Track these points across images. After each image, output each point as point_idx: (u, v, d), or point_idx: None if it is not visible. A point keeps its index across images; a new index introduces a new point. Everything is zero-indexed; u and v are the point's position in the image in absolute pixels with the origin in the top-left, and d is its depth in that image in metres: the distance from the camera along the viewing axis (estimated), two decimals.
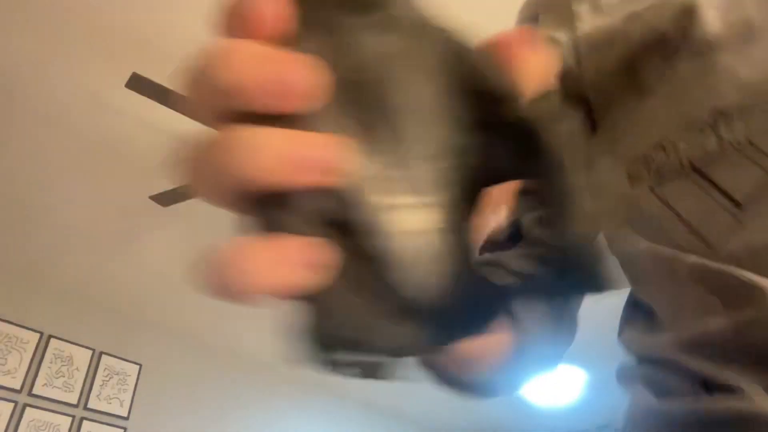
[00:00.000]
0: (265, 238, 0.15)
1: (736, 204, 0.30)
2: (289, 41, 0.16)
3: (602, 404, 4.41)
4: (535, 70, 0.18)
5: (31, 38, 1.89)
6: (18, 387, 2.70)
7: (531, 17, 0.44)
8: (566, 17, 0.40)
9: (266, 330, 3.53)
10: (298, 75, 0.15)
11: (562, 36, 0.39)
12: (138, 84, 1.80)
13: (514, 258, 0.36)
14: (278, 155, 0.15)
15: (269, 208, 0.15)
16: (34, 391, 2.74)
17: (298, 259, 0.15)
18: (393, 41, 0.17)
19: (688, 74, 0.33)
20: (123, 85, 2.01)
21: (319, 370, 0.17)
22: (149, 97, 1.82)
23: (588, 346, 3.74)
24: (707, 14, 0.33)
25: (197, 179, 0.16)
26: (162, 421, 3.15)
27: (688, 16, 0.34)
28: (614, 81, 0.37)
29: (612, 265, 0.17)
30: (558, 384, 4.00)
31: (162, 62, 1.97)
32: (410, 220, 0.16)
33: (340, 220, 0.16)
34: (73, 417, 2.81)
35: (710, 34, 0.32)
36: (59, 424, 2.75)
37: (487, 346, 0.31)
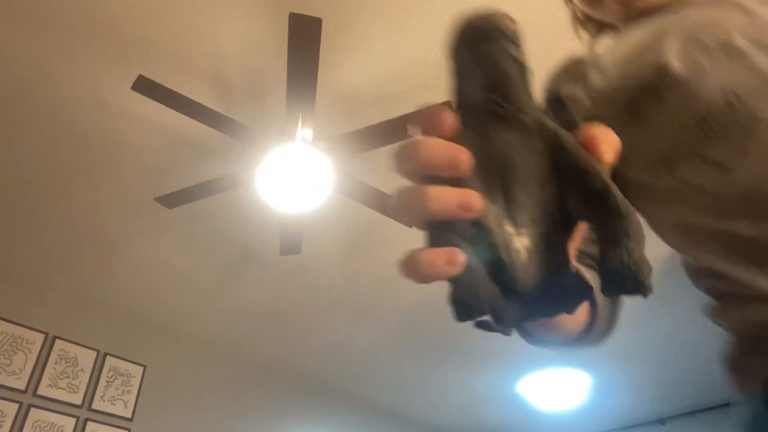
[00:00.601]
0: (433, 247, 0.28)
1: (724, 167, 0.50)
2: (453, 137, 0.29)
3: (606, 408, 4.39)
4: (609, 155, 0.30)
5: (38, 40, 1.90)
6: (23, 387, 2.71)
7: (553, 87, 0.65)
8: (580, 79, 0.62)
9: (270, 332, 3.54)
10: (462, 158, 0.29)
11: (580, 92, 0.61)
12: (144, 86, 1.81)
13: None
14: (449, 200, 0.28)
15: (438, 228, 0.28)
16: (39, 392, 2.75)
17: (447, 259, 0.27)
18: (515, 137, 0.29)
19: (672, 101, 0.53)
20: (129, 88, 2.02)
21: (460, 322, 0.28)
22: (155, 99, 1.83)
23: (593, 350, 3.73)
24: (674, 64, 0.53)
25: (404, 211, 0.30)
26: (166, 422, 3.15)
27: (662, 68, 0.53)
28: (621, 117, 0.57)
29: (646, 278, 0.28)
30: (563, 388, 3.98)
31: (168, 65, 1.98)
32: (514, 241, 0.29)
33: (475, 238, 0.29)
34: (78, 418, 2.82)
35: (678, 75, 0.52)
36: (63, 425, 2.76)
37: (569, 320, 0.49)
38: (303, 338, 3.59)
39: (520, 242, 0.29)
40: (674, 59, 0.54)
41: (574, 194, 0.29)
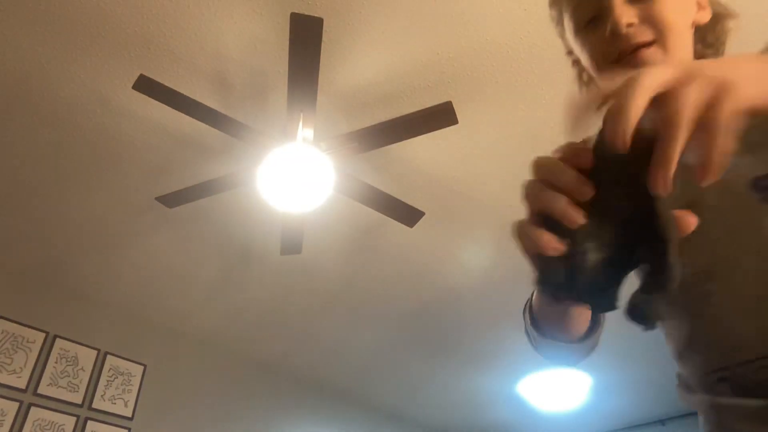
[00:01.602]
0: (542, 233, 0.42)
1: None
2: (584, 171, 0.43)
3: (607, 409, 4.39)
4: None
5: (39, 39, 1.90)
6: (23, 386, 2.71)
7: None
8: None
9: (270, 331, 3.54)
10: (585, 189, 0.42)
11: None
12: (145, 85, 1.81)
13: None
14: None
15: (549, 226, 0.42)
16: (39, 391, 2.75)
17: (554, 243, 0.41)
18: (623, 192, 0.41)
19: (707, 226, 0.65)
20: (130, 87, 2.03)
21: (542, 290, 0.44)
22: (156, 98, 1.83)
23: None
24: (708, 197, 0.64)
25: (524, 242, 0.43)
26: (166, 421, 3.15)
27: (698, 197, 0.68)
28: None
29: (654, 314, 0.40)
30: (563, 389, 3.98)
31: (169, 64, 1.98)
32: (591, 253, 0.42)
33: (570, 236, 0.42)
34: (78, 417, 2.82)
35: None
36: (64, 424, 2.76)
37: (578, 323, 0.64)
38: (303, 338, 3.59)
39: (594, 256, 0.42)
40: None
41: (648, 248, 0.40)
